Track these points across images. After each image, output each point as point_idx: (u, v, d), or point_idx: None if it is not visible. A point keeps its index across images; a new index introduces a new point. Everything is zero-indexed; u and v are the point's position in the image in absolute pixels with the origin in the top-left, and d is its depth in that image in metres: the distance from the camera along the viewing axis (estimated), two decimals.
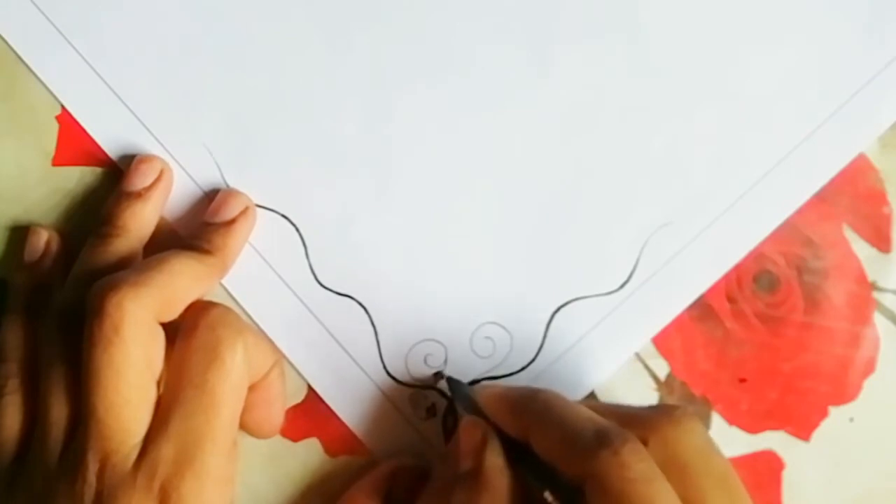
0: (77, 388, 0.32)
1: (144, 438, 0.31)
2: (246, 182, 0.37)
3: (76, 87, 0.37)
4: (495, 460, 0.32)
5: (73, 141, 0.37)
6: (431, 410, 0.37)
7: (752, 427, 0.38)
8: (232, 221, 0.36)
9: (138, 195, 0.36)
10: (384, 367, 0.37)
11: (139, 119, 0.37)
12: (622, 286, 0.37)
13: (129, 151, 0.37)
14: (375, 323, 0.37)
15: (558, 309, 0.37)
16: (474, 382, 0.37)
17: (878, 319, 0.38)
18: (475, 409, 0.34)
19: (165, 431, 0.31)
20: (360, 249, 0.37)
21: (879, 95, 0.37)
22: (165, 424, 0.31)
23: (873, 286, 0.38)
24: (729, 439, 0.37)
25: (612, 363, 0.37)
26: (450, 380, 0.37)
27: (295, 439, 0.37)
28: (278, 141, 0.37)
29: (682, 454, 0.30)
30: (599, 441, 0.29)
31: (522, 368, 0.37)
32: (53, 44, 0.37)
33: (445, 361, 0.37)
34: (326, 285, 0.37)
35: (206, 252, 0.35)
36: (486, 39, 0.37)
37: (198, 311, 0.33)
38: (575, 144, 0.37)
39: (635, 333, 0.37)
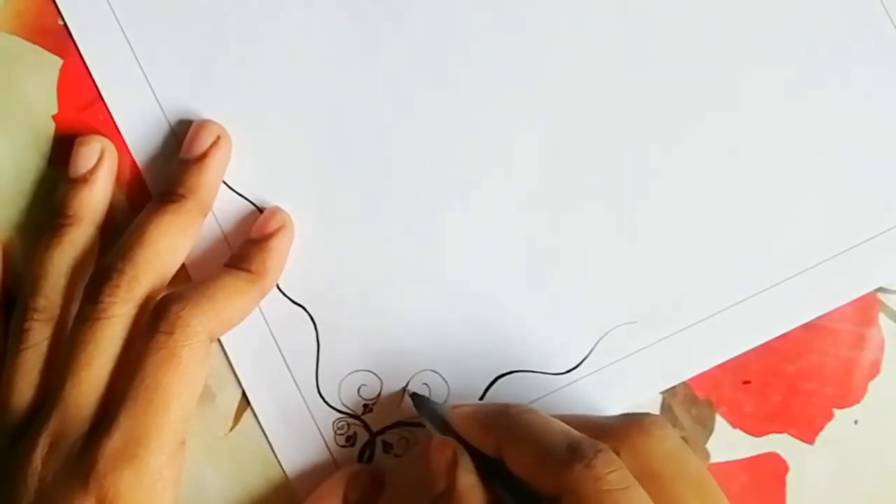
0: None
1: (88, 431, 0.32)
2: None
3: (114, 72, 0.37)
4: (468, 478, 0.32)
5: (70, 141, 0.36)
6: (351, 440, 0.37)
7: (756, 430, 0.37)
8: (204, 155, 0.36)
9: (83, 180, 0.36)
10: (317, 386, 0.37)
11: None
12: (570, 370, 0.37)
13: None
14: (321, 340, 0.37)
15: (503, 375, 0.37)
16: (400, 424, 0.37)
17: (883, 321, 0.37)
18: (445, 427, 0.34)
19: (110, 426, 0.31)
20: (328, 264, 0.37)
21: (879, 253, 0.37)
22: (112, 419, 0.31)
23: (878, 287, 0.37)
24: (733, 442, 0.37)
25: None
26: (415, 396, 0.36)
27: None
28: (266, 134, 0.37)
29: (654, 462, 0.30)
30: (572, 454, 0.29)
31: None
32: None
33: (379, 395, 0.37)
34: (283, 290, 0.37)
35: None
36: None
37: (160, 309, 0.32)
38: (564, 219, 0.37)
39: None
